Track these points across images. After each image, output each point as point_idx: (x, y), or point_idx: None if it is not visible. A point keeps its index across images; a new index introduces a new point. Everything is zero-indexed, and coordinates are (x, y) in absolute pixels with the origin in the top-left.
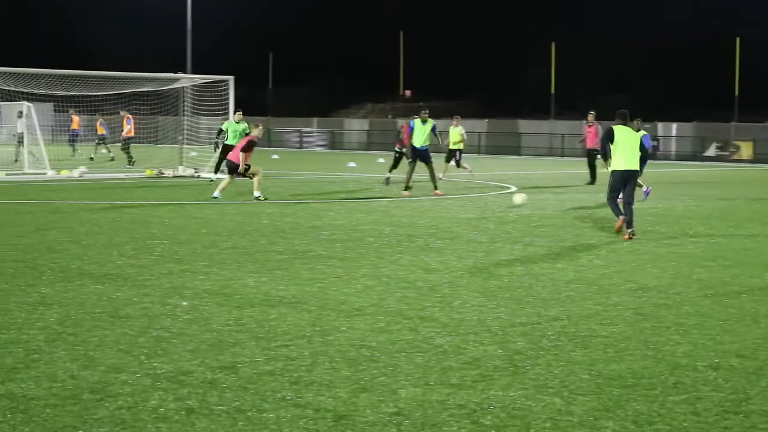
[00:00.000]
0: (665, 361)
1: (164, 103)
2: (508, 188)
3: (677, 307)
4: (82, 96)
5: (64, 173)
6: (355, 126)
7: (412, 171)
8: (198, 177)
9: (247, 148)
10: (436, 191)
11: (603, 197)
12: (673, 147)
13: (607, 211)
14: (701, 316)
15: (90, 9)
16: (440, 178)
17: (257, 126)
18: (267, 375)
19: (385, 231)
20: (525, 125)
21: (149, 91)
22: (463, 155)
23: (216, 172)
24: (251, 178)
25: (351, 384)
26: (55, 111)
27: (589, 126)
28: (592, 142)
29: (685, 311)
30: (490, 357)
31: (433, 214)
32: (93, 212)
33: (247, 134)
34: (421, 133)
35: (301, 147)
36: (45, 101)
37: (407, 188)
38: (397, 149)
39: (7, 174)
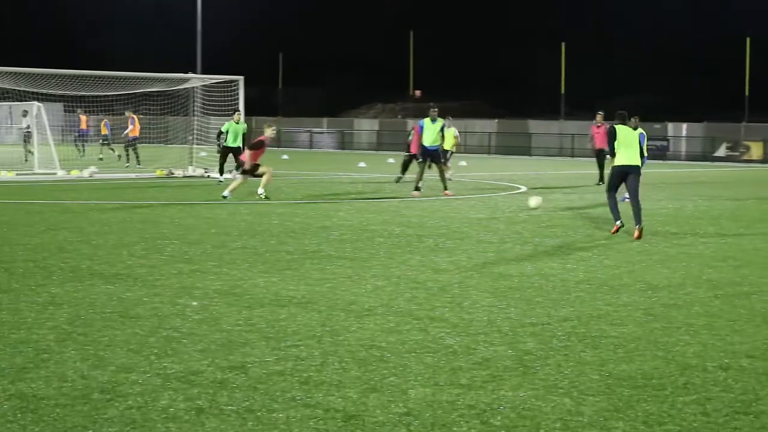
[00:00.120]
0: (675, 361)
1: (174, 104)
2: (518, 188)
3: (687, 308)
4: (92, 96)
5: (74, 173)
6: (365, 126)
7: (422, 171)
8: (208, 177)
9: (255, 147)
10: (446, 191)
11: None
12: (683, 147)
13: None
14: (711, 317)
15: (100, 10)
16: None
17: (270, 126)
18: (277, 375)
19: (395, 231)
20: (535, 125)
21: (159, 91)
22: (452, 156)
23: (221, 174)
24: (260, 177)
25: (361, 384)
26: (65, 111)
27: (598, 126)
28: (601, 142)
29: (695, 311)
30: (500, 357)
31: (443, 214)
32: (103, 212)
33: (244, 134)
34: (431, 132)
35: (311, 147)
36: (55, 101)
37: (417, 188)
38: (409, 153)
39: (17, 174)
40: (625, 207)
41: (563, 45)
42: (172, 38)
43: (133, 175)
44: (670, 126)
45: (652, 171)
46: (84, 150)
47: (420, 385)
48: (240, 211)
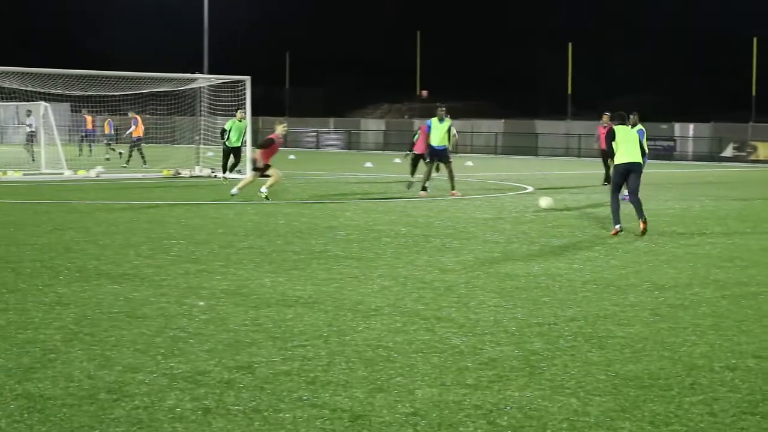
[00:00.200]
0: (682, 361)
1: (181, 104)
2: (525, 189)
3: (694, 308)
4: (99, 96)
5: (81, 173)
6: (372, 126)
7: (430, 171)
8: (215, 177)
9: (265, 145)
10: (454, 191)
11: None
12: (690, 147)
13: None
14: (718, 317)
15: (107, 9)
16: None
17: (281, 123)
18: (283, 375)
19: (401, 231)
20: (542, 125)
21: (166, 91)
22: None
23: (225, 172)
24: (268, 177)
25: (367, 384)
26: (72, 111)
27: (604, 127)
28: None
29: (702, 312)
30: (506, 357)
31: (449, 214)
32: (110, 212)
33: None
34: (438, 131)
35: (317, 147)
36: (62, 101)
37: (424, 188)
38: (414, 152)
39: (24, 174)
40: (627, 206)
41: (570, 45)
42: (176, 38)
43: (139, 175)
44: (677, 126)
45: (659, 171)
46: (91, 150)
47: (427, 385)
48: (247, 211)
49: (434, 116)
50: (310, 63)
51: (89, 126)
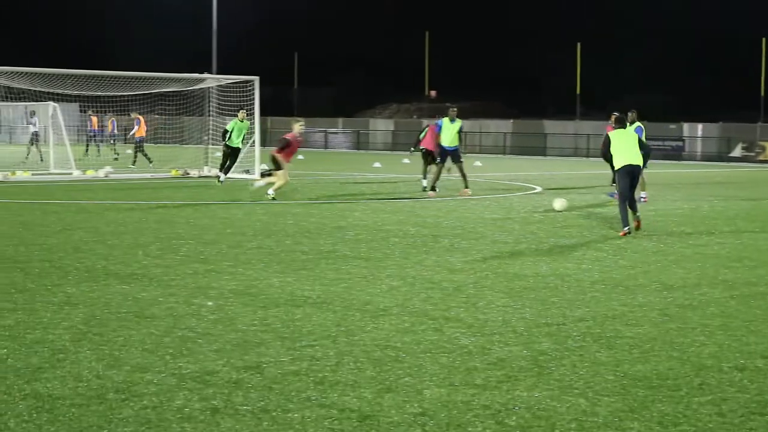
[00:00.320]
0: (690, 362)
1: (190, 104)
2: (534, 189)
3: (703, 308)
4: (108, 96)
5: (90, 173)
6: (381, 126)
7: (440, 172)
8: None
9: (283, 147)
10: (466, 190)
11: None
12: (698, 147)
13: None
14: (727, 317)
15: (115, 10)
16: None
17: (298, 121)
18: (292, 375)
19: (410, 231)
20: (550, 126)
21: (175, 91)
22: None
23: (226, 173)
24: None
25: (376, 384)
26: (80, 111)
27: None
28: None
29: (710, 312)
30: (515, 358)
31: (458, 214)
32: (118, 212)
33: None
34: (449, 131)
35: (326, 147)
36: (71, 101)
37: (433, 188)
38: (422, 149)
39: (33, 174)
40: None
41: (579, 45)
42: (185, 39)
43: (148, 175)
44: (686, 126)
45: (668, 171)
46: (99, 150)
47: (435, 385)
48: (255, 211)
49: (445, 116)
50: (319, 63)
51: (95, 126)
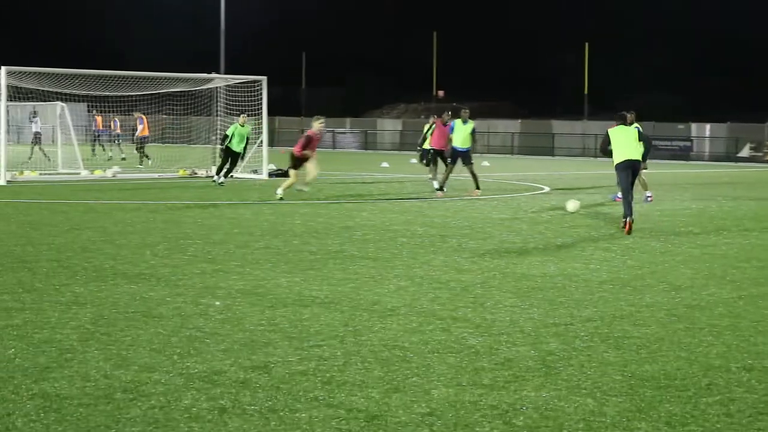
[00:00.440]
0: (698, 362)
1: (197, 104)
2: (542, 189)
3: (710, 308)
4: (116, 96)
5: (98, 173)
6: (388, 126)
7: (449, 172)
8: (231, 177)
9: (305, 145)
10: (477, 191)
11: (638, 197)
12: (706, 148)
13: (639, 210)
14: (735, 318)
15: (123, 9)
16: (430, 179)
17: (318, 119)
18: (299, 375)
19: (418, 231)
20: (558, 126)
21: (183, 91)
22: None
23: (226, 176)
24: (287, 176)
25: (383, 384)
26: (88, 111)
27: None
28: None
29: (718, 312)
30: (522, 358)
31: (465, 214)
32: (126, 212)
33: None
34: (461, 133)
35: (334, 147)
36: (78, 101)
37: (441, 189)
38: (430, 148)
39: (40, 174)
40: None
41: (587, 45)
42: (193, 39)
43: (156, 175)
44: (694, 126)
45: (675, 171)
46: (105, 150)
47: (443, 385)
48: (263, 211)
49: (458, 117)
50: (327, 63)
51: (99, 126)
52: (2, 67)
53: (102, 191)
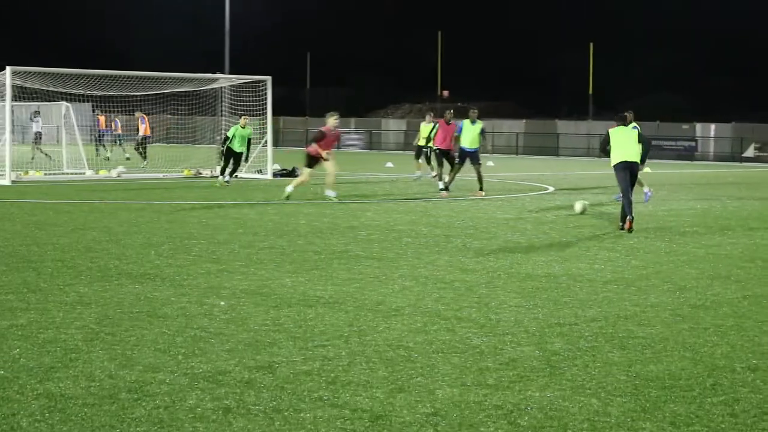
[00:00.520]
0: (703, 362)
1: (202, 104)
2: (546, 189)
3: (715, 309)
4: (120, 96)
5: (102, 173)
6: (393, 126)
7: (456, 172)
8: (236, 177)
9: (318, 138)
10: (481, 192)
11: (642, 198)
12: (711, 148)
13: (643, 211)
14: (739, 318)
15: (128, 9)
16: (418, 176)
17: (332, 115)
18: (304, 375)
19: (422, 231)
20: (563, 126)
21: (187, 91)
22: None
23: (222, 174)
24: (299, 175)
25: (388, 384)
26: (93, 111)
27: None
28: None
29: (723, 312)
30: (527, 358)
31: (470, 214)
32: (131, 212)
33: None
34: (470, 133)
35: (338, 147)
36: (83, 101)
37: (446, 189)
38: (436, 148)
39: (45, 174)
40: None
41: (591, 45)
42: (198, 39)
43: (160, 175)
44: (699, 126)
45: (680, 171)
46: (106, 150)
47: (447, 385)
48: (268, 211)
49: (466, 118)
50: (331, 63)
51: (102, 126)
52: (7, 67)
53: (107, 191)
